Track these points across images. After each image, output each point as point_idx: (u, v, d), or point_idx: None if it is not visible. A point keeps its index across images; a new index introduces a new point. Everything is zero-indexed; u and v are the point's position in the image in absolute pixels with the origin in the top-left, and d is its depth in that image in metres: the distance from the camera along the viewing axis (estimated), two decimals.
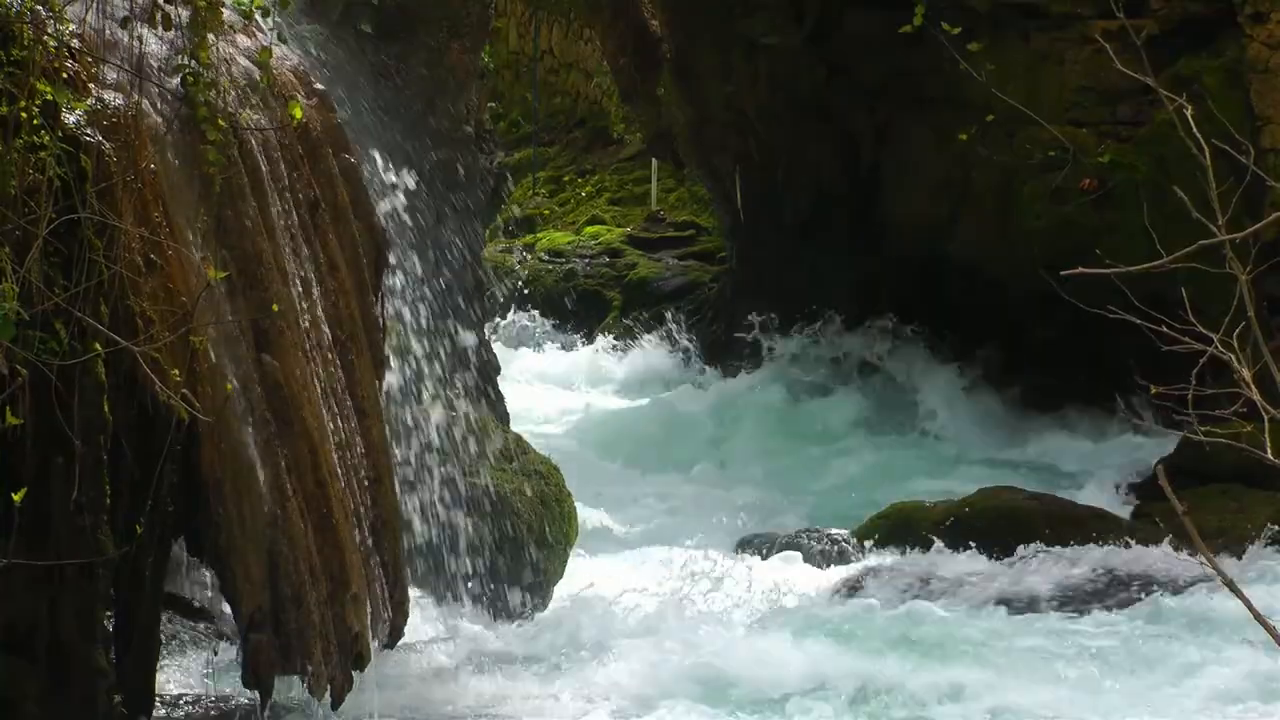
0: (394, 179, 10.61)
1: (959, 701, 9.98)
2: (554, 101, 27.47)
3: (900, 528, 13.31)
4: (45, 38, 7.22)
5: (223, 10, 8.04)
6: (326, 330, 8.57)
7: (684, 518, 14.02)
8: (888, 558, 12.96)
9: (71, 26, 7.51)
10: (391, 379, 10.09)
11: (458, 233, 11.50)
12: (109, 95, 7.57)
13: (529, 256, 22.16)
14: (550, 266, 21.80)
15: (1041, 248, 15.01)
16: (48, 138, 7.08)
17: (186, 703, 9.26)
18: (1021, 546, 12.88)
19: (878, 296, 17.54)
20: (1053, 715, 9.79)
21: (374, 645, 8.75)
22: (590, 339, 20.63)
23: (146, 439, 7.59)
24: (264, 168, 8.26)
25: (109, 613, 7.87)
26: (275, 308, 8.03)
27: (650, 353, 19.96)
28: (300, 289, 8.39)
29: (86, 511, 7.36)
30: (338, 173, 8.85)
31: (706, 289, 20.50)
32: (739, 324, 19.09)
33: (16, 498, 6.53)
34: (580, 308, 21.01)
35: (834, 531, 13.70)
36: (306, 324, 8.37)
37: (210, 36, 7.91)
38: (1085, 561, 12.70)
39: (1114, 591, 12.21)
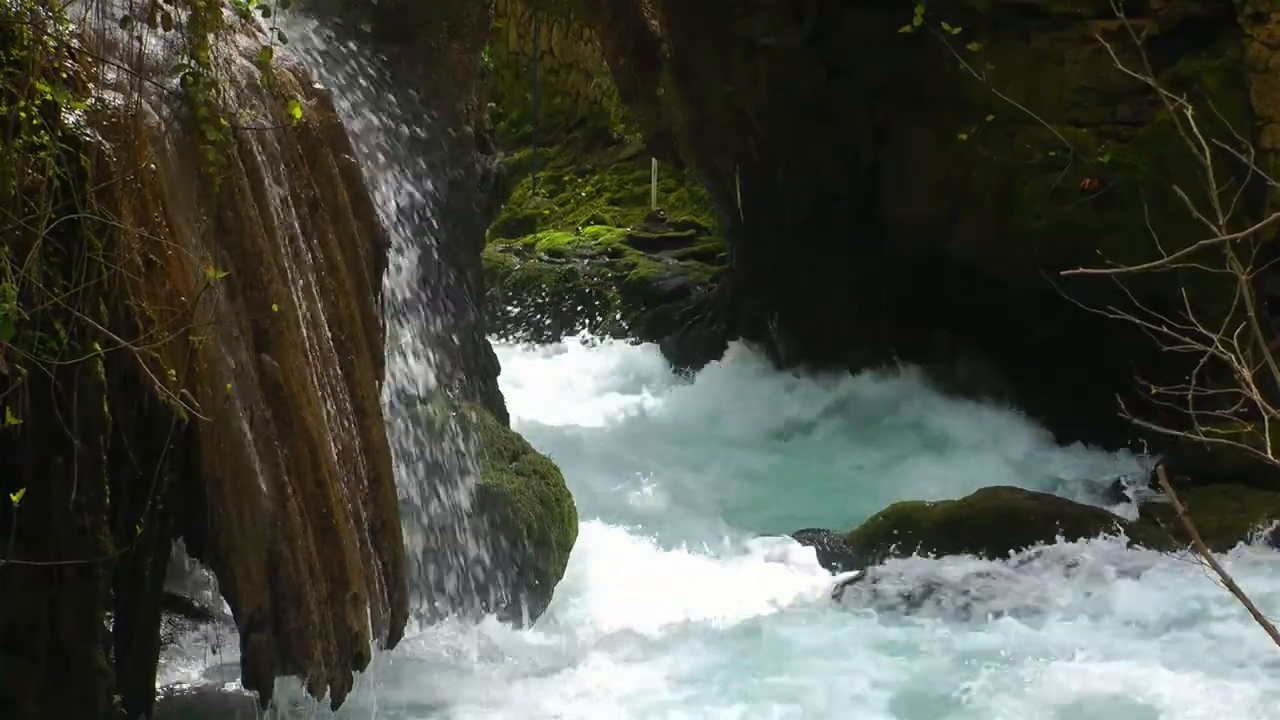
0: (394, 179, 10.61)
1: (959, 701, 9.99)
2: (554, 101, 27.47)
3: (900, 527, 13.30)
4: (45, 38, 7.22)
5: (223, 10, 8.04)
6: (326, 330, 8.57)
7: (684, 518, 14.01)
8: (888, 558, 12.96)
9: (71, 26, 7.50)
10: (392, 379, 10.09)
11: (458, 233, 11.50)
12: (109, 95, 7.57)
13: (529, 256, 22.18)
14: (550, 266, 21.80)
15: (1041, 248, 15.00)
16: (47, 138, 7.08)
17: (187, 703, 9.27)
18: (1021, 546, 12.89)
19: (878, 296, 17.53)
20: (1052, 714, 9.80)
21: (374, 645, 8.75)
22: (589, 338, 20.64)
23: (146, 439, 7.59)
24: (264, 168, 8.26)
25: (109, 613, 7.87)
26: (275, 308, 8.03)
27: (648, 352, 19.97)
28: (300, 289, 8.39)
29: (86, 511, 7.36)
30: (338, 173, 8.85)
31: (706, 289, 20.50)
32: (739, 324, 19.10)
33: (16, 498, 6.53)
34: (580, 307, 21.02)
35: (834, 531, 13.70)
36: (306, 324, 8.37)
37: (210, 36, 7.91)
38: (1085, 562, 12.70)
39: (1114, 592, 12.20)
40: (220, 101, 7.92)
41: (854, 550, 13.27)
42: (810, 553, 13.20)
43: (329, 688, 8.33)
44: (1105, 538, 13.01)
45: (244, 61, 8.39)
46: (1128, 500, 14.30)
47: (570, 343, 20.75)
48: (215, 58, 7.97)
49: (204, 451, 7.80)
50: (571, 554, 11.63)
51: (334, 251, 8.70)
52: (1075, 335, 14.57)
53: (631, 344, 20.20)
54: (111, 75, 7.64)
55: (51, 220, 6.98)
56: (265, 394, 8.06)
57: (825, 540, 13.47)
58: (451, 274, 11.25)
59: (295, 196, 8.49)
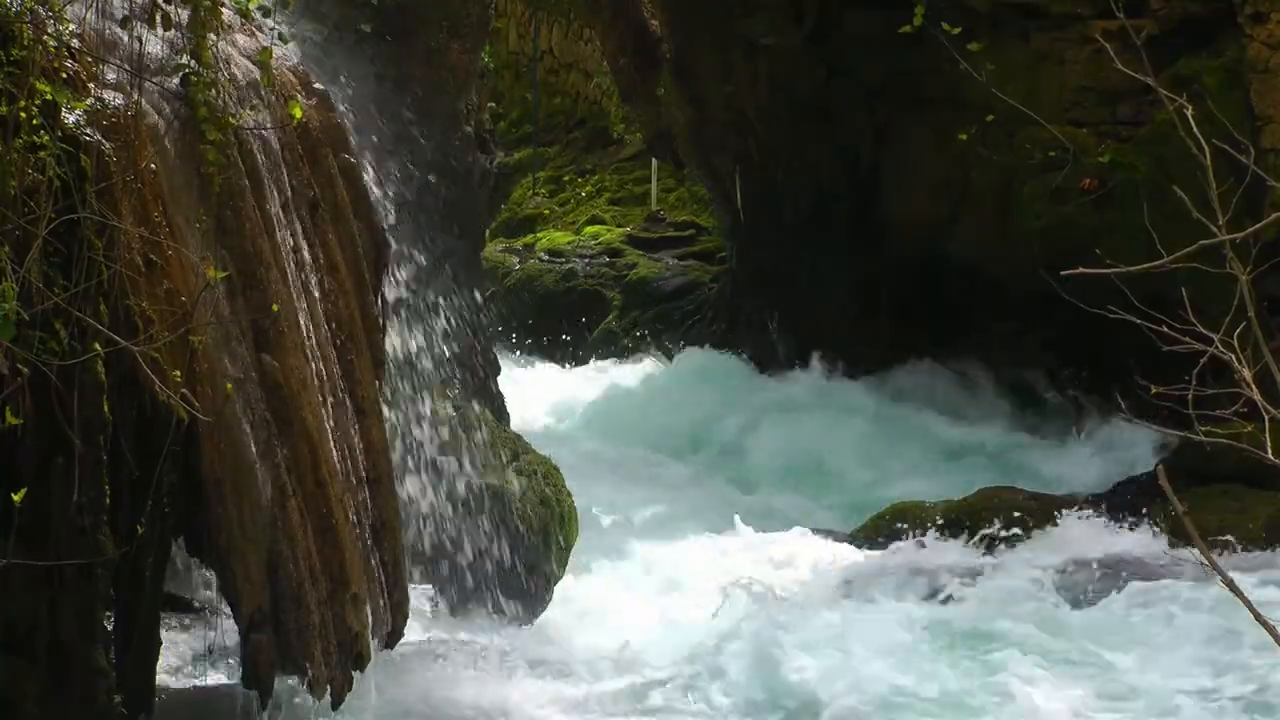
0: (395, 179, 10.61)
1: (959, 701, 9.99)
2: (554, 101, 27.46)
3: (900, 527, 13.31)
4: (45, 38, 7.22)
5: (223, 10, 8.04)
6: (326, 330, 8.57)
7: (684, 518, 14.02)
8: (888, 557, 12.96)
9: (71, 26, 7.50)
10: (391, 379, 10.09)
11: (458, 233, 11.50)
12: (109, 95, 7.57)
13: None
14: (550, 266, 21.79)
15: (1041, 248, 15.00)
16: (47, 138, 7.08)
17: (187, 703, 9.26)
18: (1021, 546, 12.89)
19: (878, 296, 17.53)
20: (1052, 713, 9.80)
21: (374, 645, 8.75)
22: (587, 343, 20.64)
23: (146, 439, 7.59)
24: (264, 168, 8.25)
25: (109, 613, 7.87)
26: (275, 308, 8.03)
27: (646, 350, 19.96)
28: (300, 289, 8.39)
29: (86, 511, 7.36)
30: (337, 173, 8.85)
31: (706, 289, 20.50)
32: (739, 324, 19.09)
33: (16, 498, 6.53)
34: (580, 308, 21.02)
35: (834, 531, 13.70)
36: (306, 324, 8.37)
37: (210, 36, 7.91)
38: (1084, 562, 12.71)
39: (1113, 591, 12.21)
40: (220, 101, 7.92)
41: (855, 549, 13.27)
42: (811, 552, 13.20)
43: (329, 687, 8.32)
44: (1105, 537, 13.02)
45: (244, 61, 8.39)
46: (1128, 499, 14.29)
47: (570, 342, 20.74)
48: (215, 57, 7.97)
49: (204, 451, 7.80)
50: (572, 553, 11.63)
51: (334, 251, 8.70)
52: (1075, 335, 14.57)
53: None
54: (111, 75, 7.64)
55: (51, 220, 6.98)
56: (265, 394, 8.05)
57: (826, 539, 13.47)
58: (451, 273, 11.25)
59: (295, 196, 8.49)
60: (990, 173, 15.94)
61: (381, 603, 8.85)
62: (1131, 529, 13.14)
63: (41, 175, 7.03)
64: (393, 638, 9.10)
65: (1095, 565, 12.64)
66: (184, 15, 7.83)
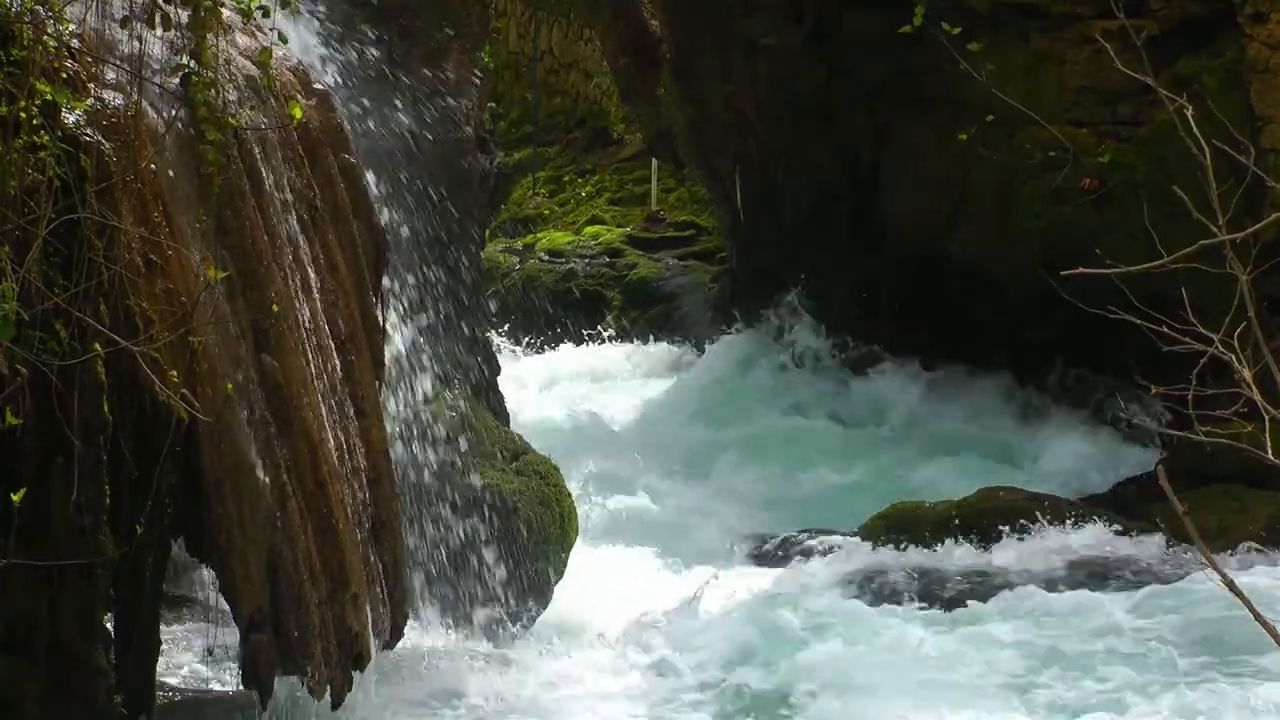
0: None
1: (959, 701, 9.99)
2: (554, 101, 27.46)
3: (900, 528, 13.31)
4: (45, 38, 7.22)
5: (223, 10, 8.04)
6: (326, 330, 8.56)
7: (684, 518, 14.02)
8: (888, 558, 12.96)
9: (71, 26, 7.50)
10: (391, 379, 10.09)
11: (458, 233, 11.49)
12: (109, 95, 7.57)
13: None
14: (550, 266, 21.79)
15: (1041, 248, 15.00)
16: (47, 138, 7.08)
17: (187, 702, 9.26)
18: (1021, 547, 12.89)
19: (877, 296, 17.53)
20: (1052, 713, 9.80)
21: (374, 645, 8.75)
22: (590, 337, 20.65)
23: (146, 439, 7.59)
24: (264, 168, 8.25)
25: (109, 613, 7.87)
26: (275, 308, 8.03)
27: (648, 351, 19.97)
28: (300, 289, 8.39)
29: (86, 511, 7.36)
30: (337, 173, 8.85)
31: (706, 289, 20.49)
32: (739, 323, 19.09)
33: (16, 498, 6.53)
34: (580, 307, 21.02)
35: (834, 531, 13.70)
36: (306, 324, 8.36)
37: (210, 37, 7.91)
38: (1085, 562, 12.71)
39: (1114, 592, 12.21)
40: (220, 101, 7.92)
41: (855, 550, 13.26)
42: (811, 552, 13.20)
43: (329, 688, 8.32)
44: (1105, 537, 13.02)
45: (244, 61, 8.39)
46: (1128, 499, 14.30)
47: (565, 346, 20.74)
48: (215, 58, 7.97)
49: (204, 451, 7.80)
50: (571, 554, 11.63)
51: (334, 251, 8.70)
52: (1075, 335, 14.57)
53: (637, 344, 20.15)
54: (111, 75, 7.64)
55: (51, 220, 6.98)
56: (265, 394, 8.05)
57: (826, 540, 13.47)
58: (451, 274, 11.24)
59: (295, 196, 8.49)
60: (990, 173, 15.94)
61: (381, 603, 8.85)
62: (1132, 529, 13.14)
63: (41, 175, 7.03)
64: (393, 637, 9.09)
65: (1095, 565, 12.63)
66: (184, 15, 7.83)
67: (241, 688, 8.40)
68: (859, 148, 17.32)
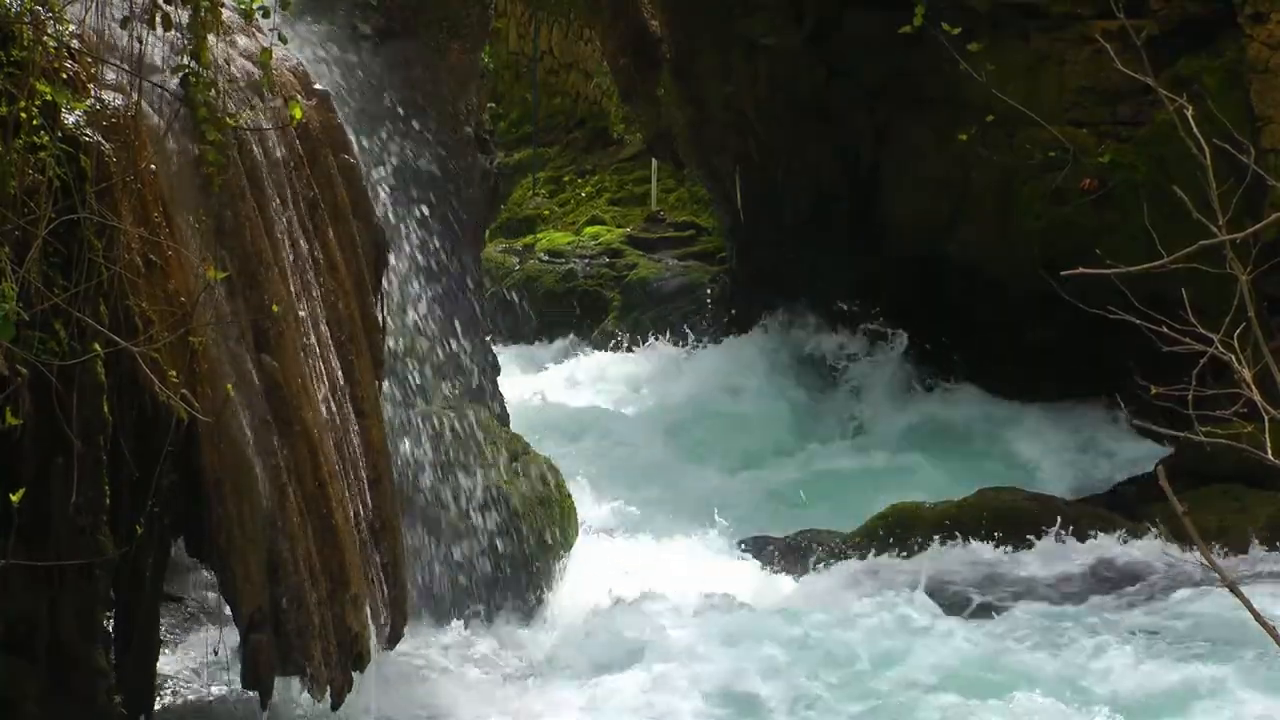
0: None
1: (959, 701, 9.98)
2: (554, 101, 27.45)
3: (900, 528, 13.30)
4: (45, 38, 7.22)
5: (223, 10, 8.04)
6: (326, 330, 8.56)
7: (684, 519, 14.00)
8: (887, 558, 12.95)
9: (71, 27, 7.50)
10: (392, 380, 10.09)
11: (458, 233, 11.49)
12: (109, 95, 7.57)
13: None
14: (550, 267, 21.78)
15: (1041, 248, 15.00)
16: (47, 138, 7.08)
17: (187, 702, 9.26)
18: (1020, 547, 12.89)
19: (877, 296, 17.53)
20: (1052, 713, 9.80)
21: (374, 646, 8.75)
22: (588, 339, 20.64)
23: (146, 439, 7.59)
24: (264, 168, 8.25)
25: (109, 613, 7.87)
26: (275, 308, 8.03)
27: (648, 351, 19.95)
28: (300, 289, 8.39)
29: (86, 511, 7.36)
30: (337, 173, 8.85)
31: (706, 289, 20.48)
32: (739, 324, 19.08)
33: (16, 498, 6.53)
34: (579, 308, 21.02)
35: (834, 532, 13.69)
36: (306, 324, 8.36)
37: (210, 37, 7.91)
38: (1084, 562, 12.71)
39: (1113, 592, 12.21)
40: (220, 102, 7.92)
41: (854, 550, 13.26)
42: (811, 553, 13.19)
43: (329, 688, 8.32)
44: (1104, 537, 13.01)
45: (244, 62, 8.39)
46: (1128, 500, 14.29)
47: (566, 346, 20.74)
48: (215, 58, 7.97)
49: (204, 451, 7.80)
50: (571, 554, 11.63)
51: (334, 251, 8.70)
52: (1075, 335, 14.57)
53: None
54: (111, 75, 7.64)
55: (51, 220, 6.98)
56: (265, 394, 8.05)
57: (826, 540, 13.46)
58: (451, 274, 11.24)
59: (295, 196, 8.49)
60: (990, 173, 15.94)
61: (381, 603, 8.85)
62: (1132, 529, 13.13)
63: (41, 176, 7.03)
64: (393, 638, 9.09)
65: (1095, 566, 12.63)
66: (184, 16, 7.83)
67: (241, 688, 8.41)
68: (859, 148, 17.32)
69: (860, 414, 17.27)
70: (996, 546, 12.93)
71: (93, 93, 7.53)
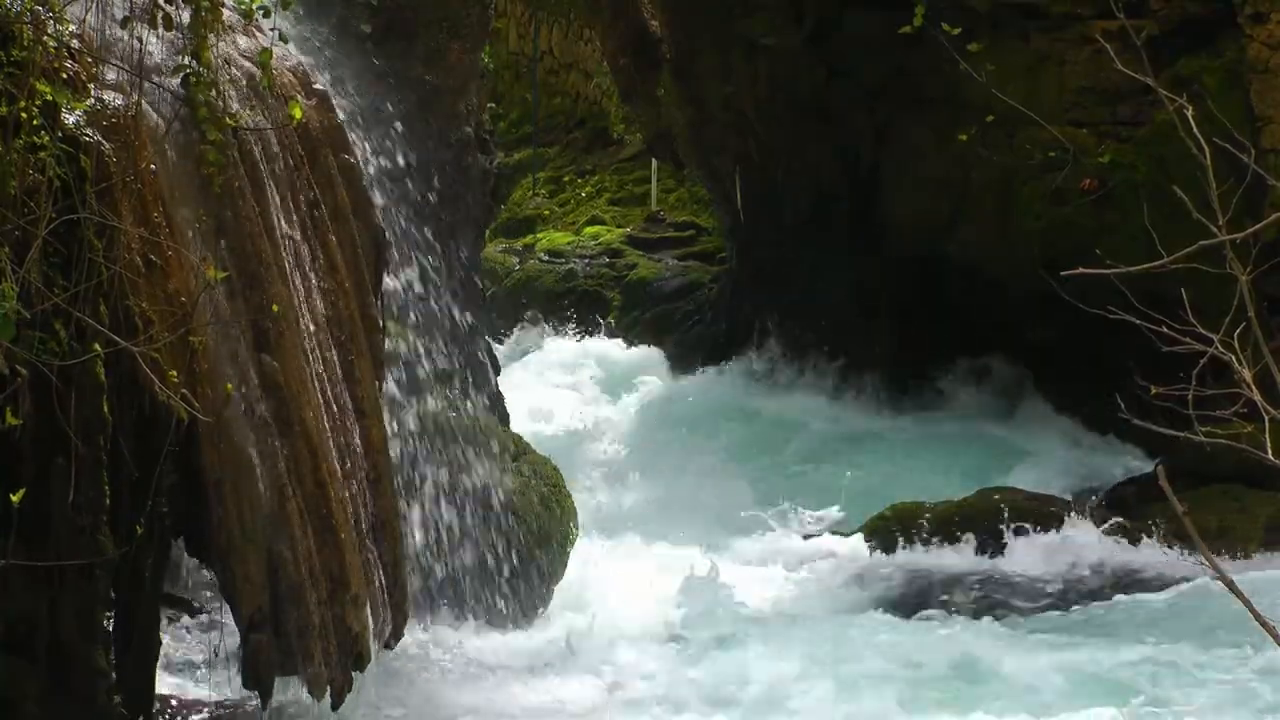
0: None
1: (959, 701, 9.99)
2: (554, 101, 27.46)
3: (900, 528, 13.31)
4: (45, 38, 7.22)
5: (223, 10, 8.04)
6: (326, 330, 8.56)
7: (684, 518, 14.01)
8: (887, 558, 12.96)
9: (71, 27, 7.50)
10: (392, 380, 10.09)
11: (458, 233, 11.49)
12: (109, 95, 7.57)
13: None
14: (550, 267, 21.79)
15: (1041, 248, 15.00)
16: (47, 138, 7.08)
17: (186, 703, 9.26)
18: (1020, 547, 12.89)
19: (877, 296, 17.53)
20: (1052, 713, 9.80)
21: (374, 645, 8.75)
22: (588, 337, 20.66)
23: (146, 439, 7.59)
24: (264, 168, 8.25)
25: (109, 613, 7.86)
26: (275, 308, 8.03)
27: (648, 351, 19.96)
28: (300, 289, 8.39)
29: (86, 511, 7.36)
30: (337, 173, 8.85)
31: (706, 289, 20.49)
32: (739, 324, 19.08)
33: (16, 498, 6.53)
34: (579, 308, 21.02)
35: (834, 532, 13.69)
36: (306, 324, 8.36)
37: (210, 37, 7.91)
38: (1084, 562, 12.71)
39: (1114, 592, 12.21)
40: (220, 102, 7.92)
41: (855, 550, 13.27)
42: (811, 553, 13.20)
43: (329, 688, 8.32)
44: (1105, 538, 13.02)
45: (245, 62, 8.39)
46: (1128, 500, 14.29)
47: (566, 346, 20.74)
48: (215, 58, 7.97)
49: (204, 452, 7.80)
50: (571, 554, 11.63)
51: (334, 251, 8.70)
52: (1075, 335, 14.56)
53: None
54: (111, 75, 7.64)
55: (51, 220, 6.98)
56: (265, 394, 8.05)
57: (826, 540, 13.47)
58: (451, 274, 11.24)
59: (295, 196, 8.49)
60: (990, 173, 15.94)
61: (381, 603, 8.85)
62: (1131, 529, 13.13)
63: (41, 176, 7.03)
64: (393, 638, 9.09)
65: (1095, 566, 12.63)
66: (184, 16, 7.83)
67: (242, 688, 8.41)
68: (859, 148, 17.32)
69: (860, 413, 17.27)
70: (997, 546, 12.93)
71: (93, 93, 7.53)
